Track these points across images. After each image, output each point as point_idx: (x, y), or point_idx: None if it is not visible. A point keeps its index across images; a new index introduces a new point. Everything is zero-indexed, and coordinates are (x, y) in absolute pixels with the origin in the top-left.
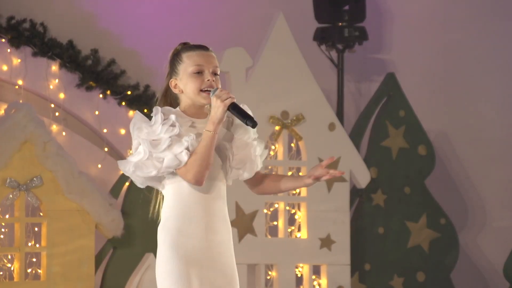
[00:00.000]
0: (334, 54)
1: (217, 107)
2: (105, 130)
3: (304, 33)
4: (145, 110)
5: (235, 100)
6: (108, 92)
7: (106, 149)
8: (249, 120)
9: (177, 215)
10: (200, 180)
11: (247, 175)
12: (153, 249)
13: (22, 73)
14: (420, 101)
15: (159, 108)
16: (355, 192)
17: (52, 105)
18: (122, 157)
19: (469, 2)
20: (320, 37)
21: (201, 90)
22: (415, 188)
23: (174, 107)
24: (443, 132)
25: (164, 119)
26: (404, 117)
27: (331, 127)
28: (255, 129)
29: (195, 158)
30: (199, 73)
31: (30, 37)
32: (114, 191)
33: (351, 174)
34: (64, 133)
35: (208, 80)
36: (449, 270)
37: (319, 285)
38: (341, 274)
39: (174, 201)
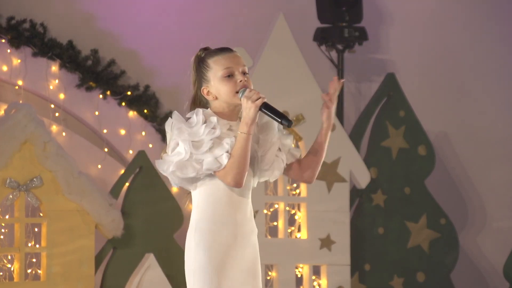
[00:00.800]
0: (334, 54)
1: (249, 108)
2: (105, 131)
3: (304, 34)
4: (145, 111)
5: (266, 100)
6: (108, 92)
7: (106, 150)
8: (284, 120)
9: (210, 217)
10: (240, 182)
11: (276, 174)
12: (153, 250)
13: (22, 73)
14: (420, 101)
15: (200, 109)
16: (355, 192)
17: (52, 106)
18: (122, 157)
19: (469, 2)
20: (320, 37)
21: (236, 92)
22: (415, 188)
23: None
24: (443, 132)
25: (205, 121)
26: (404, 117)
27: (331, 127)
28: (280, 126)
29: (233, 161)
30: (230, 76)
31: (30, 38)
32: (114, 191)
33: (351, 174)
34: (64, 134)
35: (241, 81)
36: (449, 270)
37: (319, 285)
38: (341, 274)
39: (206, 203)
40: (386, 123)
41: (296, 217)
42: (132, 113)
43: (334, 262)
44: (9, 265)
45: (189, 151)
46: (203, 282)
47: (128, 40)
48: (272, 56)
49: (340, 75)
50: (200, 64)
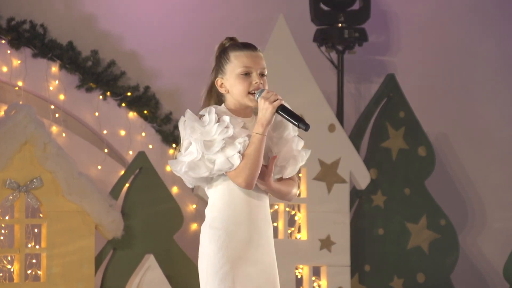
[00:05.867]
0: (334, 55)
1: (265, 109)
2: (105, 131)
3: (304, 35)
4: (145, 112)
5: (283, 102)
6: (108, 93)
7: (106, 150)
8: (302, 123)
9: (226, 216)
10: (251, 183)
11: (290, 171)
12: (153, 250)
13: (22, 74)
14: (420, 102)
15: (213, 108)
16: (355, 193)
17: (52, 106)
18: (122, 158)
19: (469, 3)
20: (320, 38)
21: (248, 93)
22: (415, 189)
23: (219, 104)
24: (443, 133)
25: (218, 120)
26: (404, 118)
27: (331, 128)
28: (294, 126)
29: (246, 162)
30: (247, 74)
31: (30, 38)
32: (114, 192)
33: (351, 175)
34: (64, 134)
35: (256, 82)
36: (449, 271)
37: (319, 286)
38: (341, 275)
39: (222, 202)
40: (386, 124)
41: (296, 218)
42: (132, 114)
43: (334, 263)
44: (9, 266)
45: (201, 151)
46: (216, 278)
47: (128, 41)
48: (272, 57)
49: (340, 76)
50: (222, 54)
